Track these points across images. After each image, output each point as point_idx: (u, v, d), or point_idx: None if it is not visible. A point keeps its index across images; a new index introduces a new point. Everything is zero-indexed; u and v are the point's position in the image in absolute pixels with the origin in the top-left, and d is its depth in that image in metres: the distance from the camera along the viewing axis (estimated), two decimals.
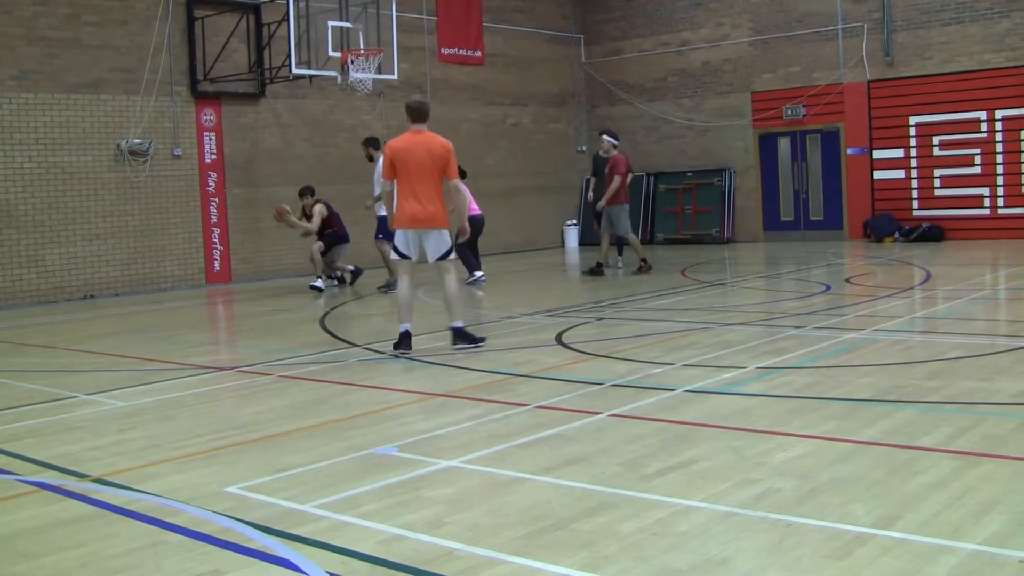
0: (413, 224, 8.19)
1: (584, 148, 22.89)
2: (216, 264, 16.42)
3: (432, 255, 8.42)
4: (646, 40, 22.30)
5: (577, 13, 23.10)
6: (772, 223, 20.96)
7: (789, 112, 20.24)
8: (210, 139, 16.32)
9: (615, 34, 22.79)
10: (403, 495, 4.42)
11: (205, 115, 16.23)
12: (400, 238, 8.30)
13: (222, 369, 8.14)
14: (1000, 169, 18.12)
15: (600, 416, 5.79)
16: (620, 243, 15.64)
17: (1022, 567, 3.33)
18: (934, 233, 18.51)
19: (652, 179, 21.90)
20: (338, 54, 15.17)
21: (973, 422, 5.30)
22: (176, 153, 15.85)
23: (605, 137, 15.08)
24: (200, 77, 15.99)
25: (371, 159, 13.72)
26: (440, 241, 8.29)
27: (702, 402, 6.09)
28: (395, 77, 16.33)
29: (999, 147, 18.08)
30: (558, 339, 8.80)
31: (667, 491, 4.31)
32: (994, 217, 18.20)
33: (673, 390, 6.39)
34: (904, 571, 3.33)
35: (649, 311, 10.61)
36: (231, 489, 4.63)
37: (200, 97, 16.11)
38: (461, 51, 20.15)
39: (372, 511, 4.20)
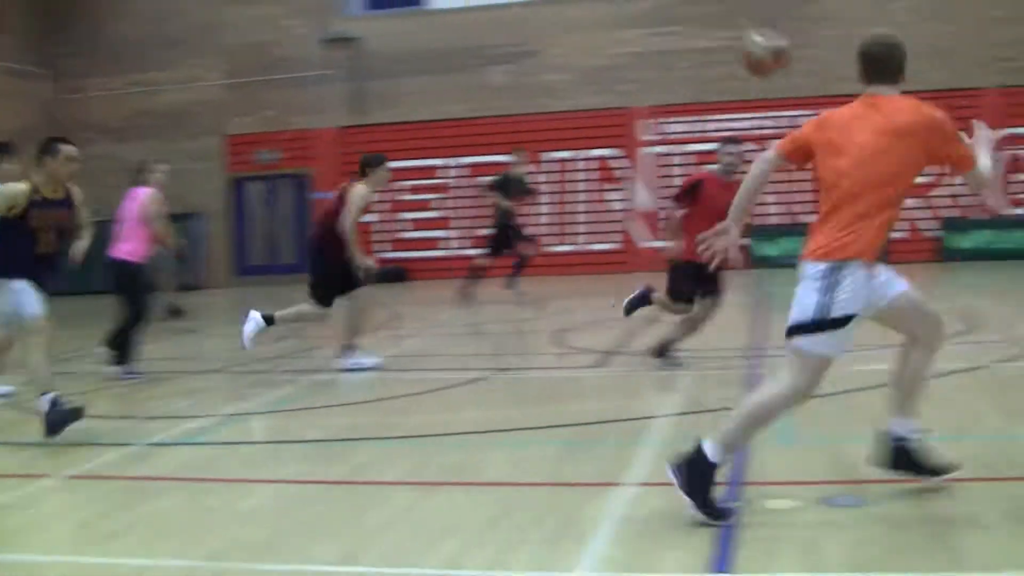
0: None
1: None
2: None
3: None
4: (114, 79, 21.25)
5: (42, 46, 21.20)
6: (244, 267, 20.87)
7: (265, 156, 20.39)
8: None
9: (81, 71, 21.40)
10: None
11: None
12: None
13: None
14: (457, 213, 19.91)
15: (52, 479, 5.21)
16: None
17: None
18: (398, 274, 19.61)
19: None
20: None
21: (431, 454, 5.60)
22: None
23: None
24: None
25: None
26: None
27: (165, 455, 5.76)
28: None
29: (457, 192, 19.88)
30: None
31: (127, 552, 3.97)
32: (452, 258, 19.81)
33: (133, 445, 5.96)
34: None
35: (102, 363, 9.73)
36: None
37: None
38: None
39: None
